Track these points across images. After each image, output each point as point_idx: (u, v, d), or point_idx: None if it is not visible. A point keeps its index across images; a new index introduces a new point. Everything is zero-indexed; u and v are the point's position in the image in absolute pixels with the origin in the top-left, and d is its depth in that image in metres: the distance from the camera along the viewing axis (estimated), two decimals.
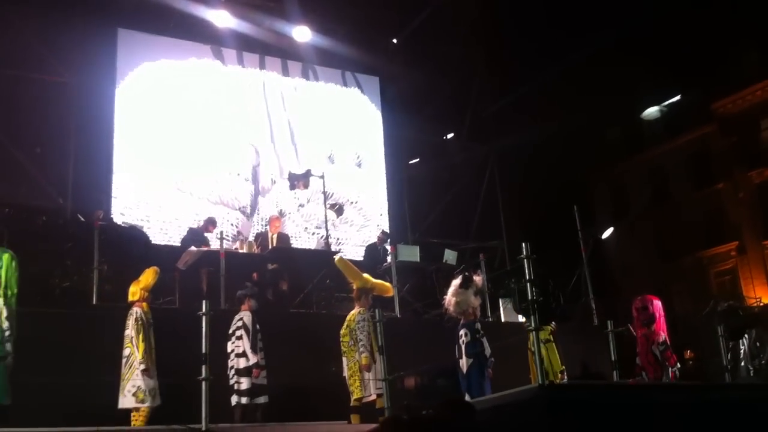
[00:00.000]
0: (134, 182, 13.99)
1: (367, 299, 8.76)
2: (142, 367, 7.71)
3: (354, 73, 17.14)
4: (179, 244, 12.16)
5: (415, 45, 17.30)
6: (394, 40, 17.19)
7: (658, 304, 9.11)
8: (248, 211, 15.01)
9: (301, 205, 15.40)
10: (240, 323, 8.41)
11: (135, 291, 8.14)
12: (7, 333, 6.84)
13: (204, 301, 7.58)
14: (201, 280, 10.85)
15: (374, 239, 14.21)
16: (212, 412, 7.03)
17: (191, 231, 12.36)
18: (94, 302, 9.36)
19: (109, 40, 14.45)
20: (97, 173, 13.74)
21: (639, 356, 9.03)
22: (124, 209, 13.67)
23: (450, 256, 13.18)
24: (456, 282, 8.49)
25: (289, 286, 11.30)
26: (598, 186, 33.64)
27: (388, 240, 13.43)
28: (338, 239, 15.19)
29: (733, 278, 28.72)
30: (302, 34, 15.74)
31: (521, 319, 8.98)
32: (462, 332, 8.20)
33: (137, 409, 7.82)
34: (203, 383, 7.08)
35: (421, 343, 9.79)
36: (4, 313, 6.88)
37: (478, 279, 8.53)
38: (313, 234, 15.20)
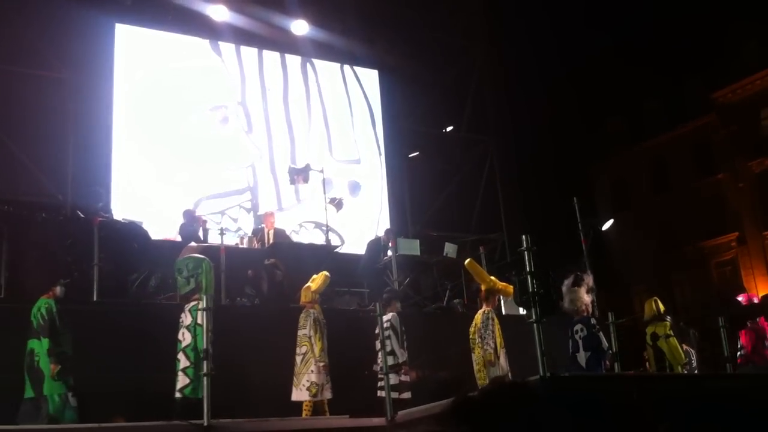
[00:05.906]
0: (133, 178, 13.98)
1: (494, 300, 9.11)
2: (322, 363, 8.23)
3: (353, 67, 17.07)
4: (179, 237, 12.11)
5: (414, 37, 17.25)
6: (393, 33, 17.12)
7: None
8: (248, 206, 14.99)
9: (301, 200, 15.37)
10: (388, 324, 8.90)
11: (307, 294, 8.75)
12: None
13: (205, 297, 7.62)
14: None
15: (375, 233, 14.16)
16: (214, 407, 7.04)
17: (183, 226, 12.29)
18: (94, 298, 9.35)
19: (106, 35, 14.41)
20: (96, 169, 13.69)
21: (744, 348, 9.15)
22: (123, 205, 13.64)
23: (450, 249, 13.17)
24: (568, 281, 8.93)
25: (285, 277, 11.25)
26: (599, 177, 33.61)
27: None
28: (338, 233, 15.14)
29: (734, 269, 28.71)
30: (300, 27, 15.70)
31: (522, 311, 9.05)
32: (578, 327, 8.69)
33: (309, 402, 8.33)
34: (205, 379, 7.10)
35: (422, 336, 9.80)
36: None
37: (588, 277, 8.99)
38: (314, 228, 15.17)
